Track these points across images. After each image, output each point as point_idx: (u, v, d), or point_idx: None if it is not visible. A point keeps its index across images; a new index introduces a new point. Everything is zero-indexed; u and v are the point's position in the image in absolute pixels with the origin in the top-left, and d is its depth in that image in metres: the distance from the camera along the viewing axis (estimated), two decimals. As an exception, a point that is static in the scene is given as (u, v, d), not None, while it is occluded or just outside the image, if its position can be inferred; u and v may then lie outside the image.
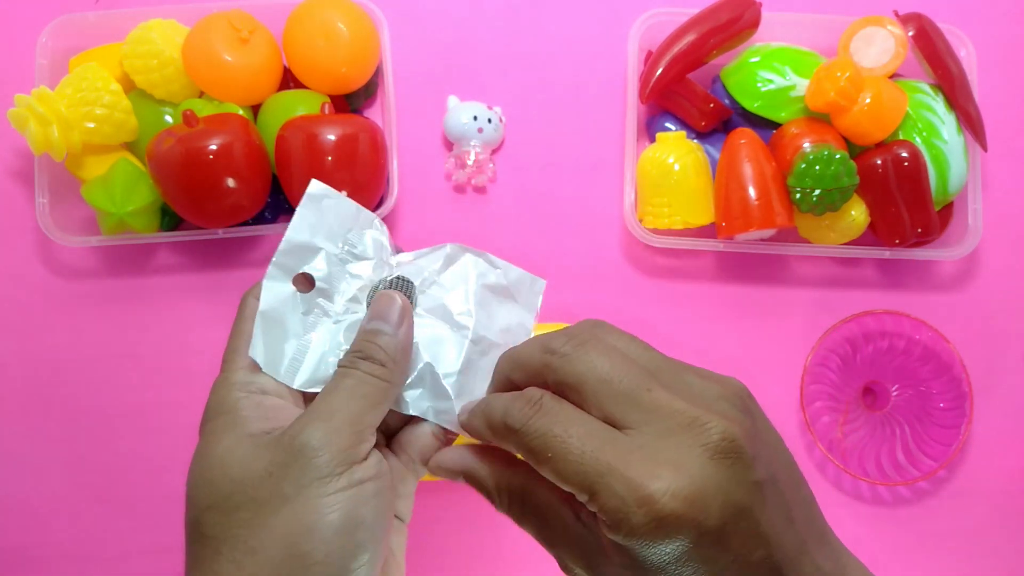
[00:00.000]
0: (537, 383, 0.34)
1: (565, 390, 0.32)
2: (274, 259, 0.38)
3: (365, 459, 0.34)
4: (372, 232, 0.39)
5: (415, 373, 0.38)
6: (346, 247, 0.39)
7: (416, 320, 0.38)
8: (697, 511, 0.28)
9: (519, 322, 0.41)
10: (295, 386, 0.37)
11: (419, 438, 0.38)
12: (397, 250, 0.41)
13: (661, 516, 0.28)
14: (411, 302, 0.38)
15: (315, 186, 0.39)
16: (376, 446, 0.35)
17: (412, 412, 0.38)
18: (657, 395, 0.31)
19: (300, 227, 0.38)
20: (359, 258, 0.39)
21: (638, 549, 0.29)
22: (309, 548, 0.31)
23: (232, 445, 0.33)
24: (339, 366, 0.36)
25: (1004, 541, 0.67)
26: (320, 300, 0.38)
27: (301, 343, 0.38)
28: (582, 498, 0.30)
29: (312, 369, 0.37)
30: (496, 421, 0.34)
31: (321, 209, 0.38)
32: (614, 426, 0.31)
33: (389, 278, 0.38)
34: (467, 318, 0.39)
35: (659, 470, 0.28)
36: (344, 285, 0.39)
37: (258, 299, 0.37)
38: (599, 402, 0.31)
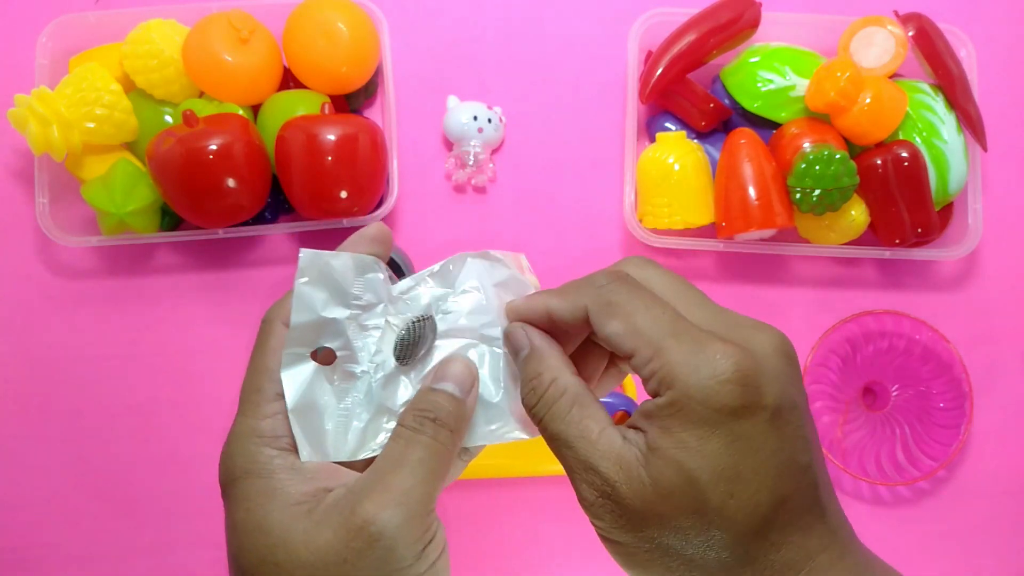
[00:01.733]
0: (573, 314, 0.33)
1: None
2: (286, 348, 0.34)
3: (434, 536, 0.32)
4: (370, 275, 0.36)
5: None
6: (354, 303, 0.36)
7: (442, 344, 0.36)
8: (756, 386, 0.29)
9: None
10: (346, 459, 0.34)
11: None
12: (392, 279, 0.38)
13: (724, 378, 0.28)
14: (434, 334, 0.36)
15: (304, 256, 0.34)
16: None
17: (480, 443, 0.36)
18: (720, 307, 0.32)
19: (301, 307, 0.34)
20: (369, 309, 0.36)
21: (686, 425, 0.29)
22: None
23: (286, 519, 0.31)
24: (403, 426, 0.33)
25: (1004, 541, 0.67)
26: (346, 365, 0.36)
27: (340, 414, 0.35)
28: (645, 356, 0.30)
29: (359, 436, 0.35)
30: (570, 295, 0.33)
31: (318, 277, 0.35)
32: None
33: (411, 321, 0.36)
34: (493, 328, 0.36)
35: (726, 346, 0.29)
36: (364, 341, 0.36)
37: (286, 324, 0.34)
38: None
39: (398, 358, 0.36)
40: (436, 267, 0.38)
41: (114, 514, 0.65)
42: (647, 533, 0.30)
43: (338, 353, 0.35)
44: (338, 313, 0.35)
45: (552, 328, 0.34)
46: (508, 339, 0.35)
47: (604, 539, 0.31)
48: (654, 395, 0.30)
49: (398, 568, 0.30)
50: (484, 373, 0.36)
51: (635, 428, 0.31)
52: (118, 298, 0.67)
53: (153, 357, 0.66)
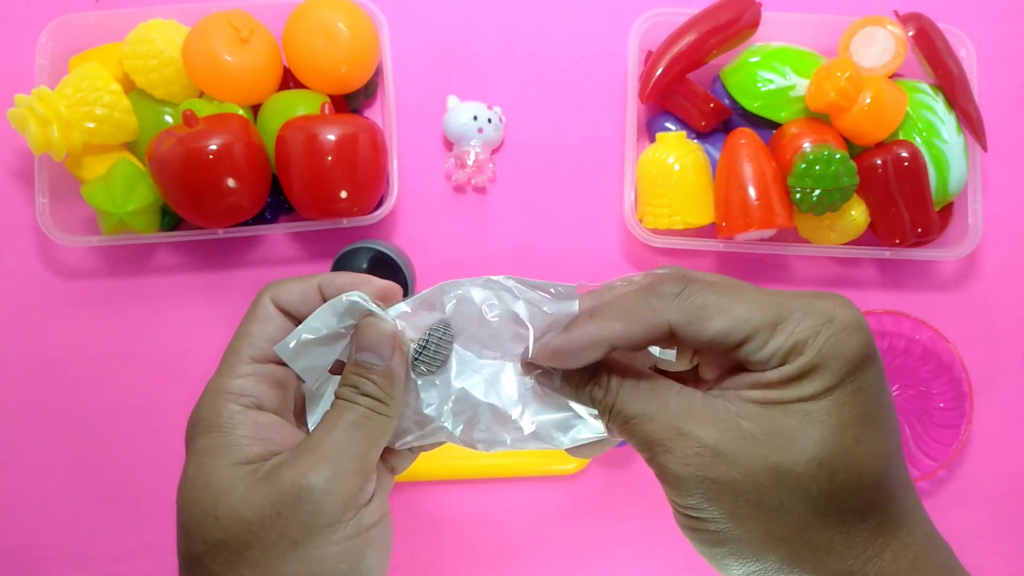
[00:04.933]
0: (648, 336, 0.31)
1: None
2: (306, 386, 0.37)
3: (370, 501, 0.33)
4: (355, 312, 0.36)
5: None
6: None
7: (469, 359, 0.37)
8: (870, 335, 0.30)
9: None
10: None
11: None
12: (382, 305, 0.37)
13: (851, 328, 0.29)
14: (451, 343, 0.36)
15: (281, 351, 0.35)
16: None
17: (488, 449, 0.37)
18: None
19: (311, 379, 0.36)
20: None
21: (818, 382, 0.29)
22: None
23: (232, 476, 0.32)
24: (337, 397, 0.34)
25: (1004, 541, 0.67)
26: None
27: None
28: (763, 337, 0.29)
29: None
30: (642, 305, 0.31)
31: (305, 351, 0.36)
32: None
33: (428, 330, 0.36)
34: (506, 344, 0.36)
35: (835, 300, 0.30)
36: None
37: (275, 302, 0.36)
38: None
39: (415, 368, 0.36)
40: (425, 294, 0.37)
41: (114, 514, 0.65)
42: (748, 500, 0.29)
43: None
44: (337, 351, 0.36)
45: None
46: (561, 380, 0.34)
47: (687, 519, 0.31)
48: (778, 366, 0.29)
49: (327, 524, 0.31)
50: (509, 393, 0.36)
51: (727, 388, 0.31)
52: (118, 298, 0.67)
53: (153, 357, 0.66)
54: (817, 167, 0.59)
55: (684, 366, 0.35)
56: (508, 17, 0.70)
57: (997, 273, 0.69)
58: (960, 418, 0.65)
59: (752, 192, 0.61)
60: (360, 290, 0.35)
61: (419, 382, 0.36)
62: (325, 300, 0.36)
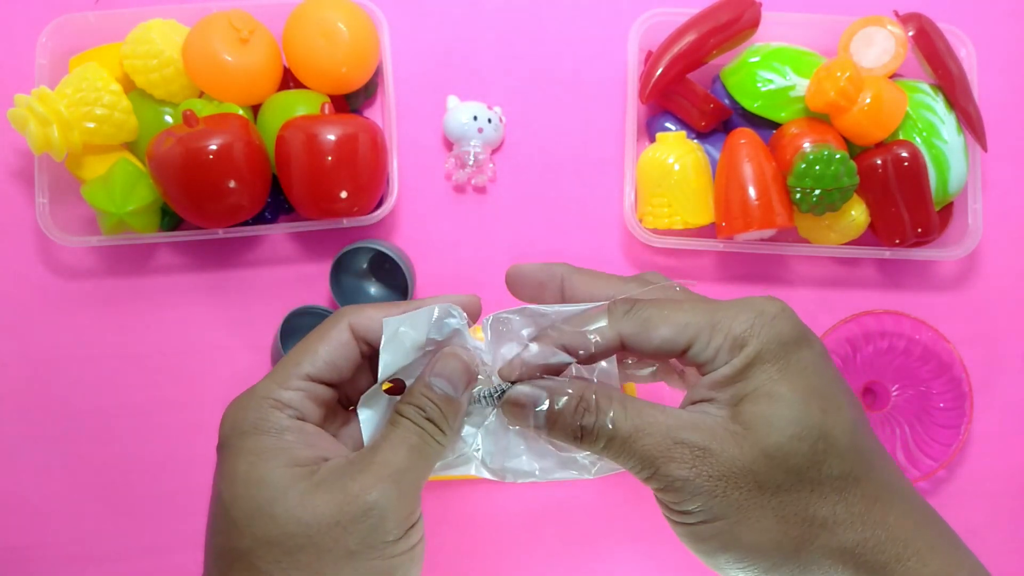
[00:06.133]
0: (604, 347, 0.35)
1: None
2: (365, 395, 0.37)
3: (416, 523, 0.34)
4: (446, 322, 0.36)
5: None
6: (428, 348, 0.37)
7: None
8: (799, 321, 0.33)
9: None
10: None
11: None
12: (469, 326, 0.37)
13: (777, 315, 0.33)
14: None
15: (387, 327, 0.36)
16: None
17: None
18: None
19: (384, 373, 0.36)
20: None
21: (767, 367, 0.32)
22: None
23: (289, 476, 0.32)
24: (402, 415, 0.35)
25: (1004, 541, 0.67)
26: None
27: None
28: (704, 338, 0.33)
29: None
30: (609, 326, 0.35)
31: (396, 341, 0.36)
32: None
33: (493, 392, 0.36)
34: None
35: (761, 297, 0.34)
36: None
37: (353, 328, 0.36)
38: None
39: (478, 399, 0.37)
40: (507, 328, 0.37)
41: (114, 514, 0.65)
42: (749, 488, 0.31)
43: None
44: (411, 359, 0.36)
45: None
46: (517, 403, 0.35)
47: (698, 527, 0.32)
48: (721, 365, 0.33)
49: (385, 540, 0.32)
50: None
51: (697, 402, 0.33)
52: (118, 298, 0.67)
53: (153, 357, 0.66)
54: (817, 167, 0.59)
55: (652, 379, 0.39)
56: (508, 17, 0.70)
57: (997, 273, 0.69)
58: (960, 418, 0.64)
59: (752, 192, 0.61)
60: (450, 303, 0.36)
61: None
62: None
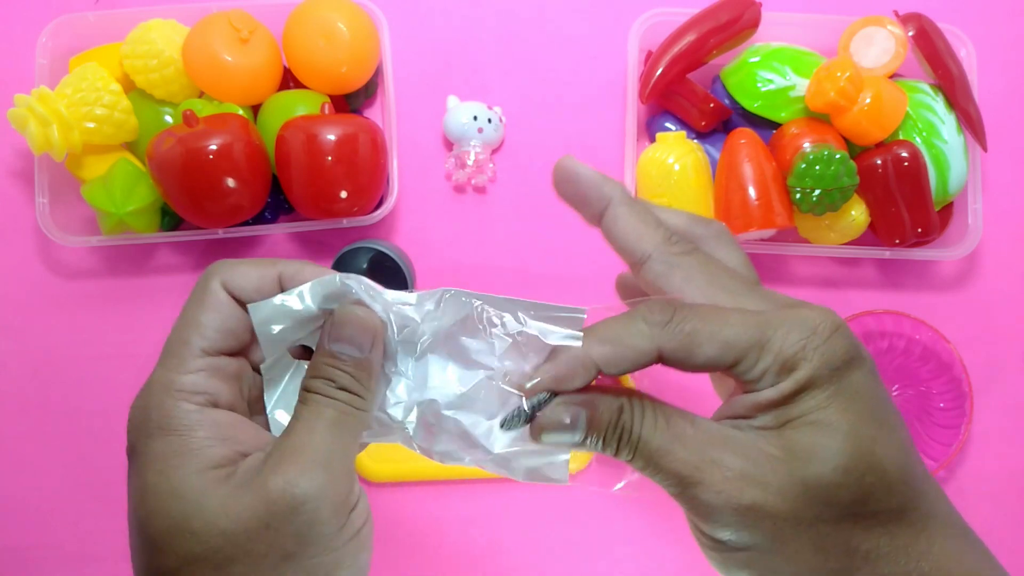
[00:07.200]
0: (636, 362, 0.31)
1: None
2: (263, 366, 0.34)
3: (357, 504, 0.31)
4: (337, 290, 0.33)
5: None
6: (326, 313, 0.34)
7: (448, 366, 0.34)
8: (853, 336, 0.30)
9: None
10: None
11: None
12: (374, 292, 0.34)
13: (828, 334, 0.29)
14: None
15: (253, 311, 0.33)
16: None
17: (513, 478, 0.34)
18: (754, 286, 0.32)
19: (270, 350, 0.34)
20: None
21: (816, 391, 0.29)
22: None
23: (203, 484, 0.29)
24: (310, 391, 0.32)
25: (1004, 541, 0.66)
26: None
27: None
28: (752, 359, 0.30)
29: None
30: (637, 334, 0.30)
31: (273, 320, 0.33)
32: None
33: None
34: (484, 356, 0.34)
35: (812, 310, 0.30)
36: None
37: (226, 288, 0.33)
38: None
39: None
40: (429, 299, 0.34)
41: (114, 514, 0.65)
42: (785, 519, 0.28)
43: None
44: (306, 330, 0.34)
45: (590, 382, 0.31)
46: (553, 427, 0.31)
47: (729, 554, 0.30)
48: (767, 387, 0.29)
49: (323, 533, 0.29)
50: (481, 414, 0.34)
51: (734, 418, 0.30)
52: (118, 298, 0.67)
53: (153, 357, 0.66)
54: (817, 167, 0.59)
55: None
56: (508, 17, 0.70)
57: (997, 273, 0.69)
58: (960, 418, 0.64)
59: (752, 192, 0.61)
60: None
61: (391, 378, 0.34)
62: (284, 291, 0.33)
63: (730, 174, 0.62)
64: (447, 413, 0.34)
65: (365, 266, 0.67)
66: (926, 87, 0.64)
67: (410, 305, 0.34)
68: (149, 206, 0.62)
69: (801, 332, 0.29)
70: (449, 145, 0.68)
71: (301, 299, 0.33)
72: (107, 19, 0.64)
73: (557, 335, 0.32)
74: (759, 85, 0.63)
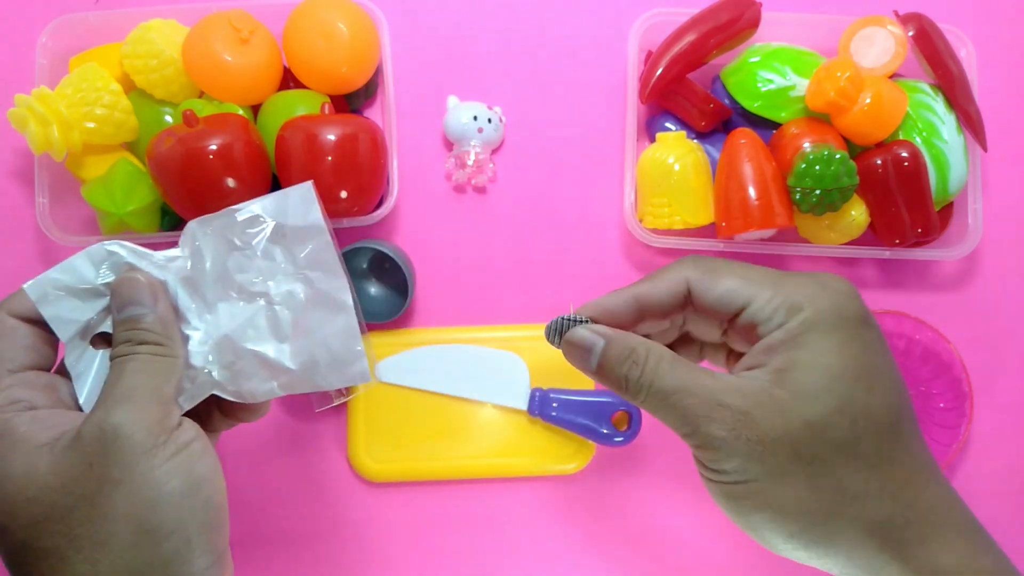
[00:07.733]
0: (671, 291, 0.36)
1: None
2: (66, 358, 0.37)
3: (180, 424, 0.34)
4: (113, 259, 0.37)
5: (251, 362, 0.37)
6: (104, 289, 0.37)
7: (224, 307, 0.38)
8: (864, 303, 0.34)
9: (314, 240, 0.38)
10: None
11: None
12: (142, 253, 0.38)
13: (848, 293, 0.34)
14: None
15: (30, 289, 0.36)
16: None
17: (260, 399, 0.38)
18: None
19: (61, 328, 0.36)
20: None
21: (824, 336, 0.33)
22: (159, 520, 0.32)
23: (29, 461, 0.32)
24: (114, 357, 0.35)
25: (1004, 541, 0.66)
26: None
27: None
28: (765, 296, 0.34)
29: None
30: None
31: (55, 295, 0.36)
32: None
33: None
34: (259, 285, 0.38)
35: (831, 274, 0.35)
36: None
37: (10, 314, 0.36)
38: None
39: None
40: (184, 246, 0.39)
41: None
42: (786, 454, 0.32)
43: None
44: (94, 309, 0.36)
45: (634, 320, 0.37)
46: (573, 344, 0.36)
47: (732, 486, 0.33)
48: (776, 328, 0.33)
49: (141, 452, 0.32)
50: (269, 335, 0.38)
51: (749, 368, 0.34)
52: (118, 298, 0.67)
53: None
54: (817, 167, 0.59)
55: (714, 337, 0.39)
56: (508, 17, 0.70)
57: (997, 273, 0.70)
58: (960, 418, 0.65)
59: (752, 192, 0.61)
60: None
61: (188, 334, 0.37)
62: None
63: (730, 174, 0.62)
64: (243, 346, 0.37)
65: (365, 266, 0.67)
66: (926, 87, 0.64)
67: (180, 257, 0.38)
68: (149, 206, 0.62)
69: (813, 286, 0.33)
70: (449, 145, 0.68)
71: (72, 269, 0.36)
72: (107, 19, 0.64)
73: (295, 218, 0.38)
74: (759, 85, 0.63)
